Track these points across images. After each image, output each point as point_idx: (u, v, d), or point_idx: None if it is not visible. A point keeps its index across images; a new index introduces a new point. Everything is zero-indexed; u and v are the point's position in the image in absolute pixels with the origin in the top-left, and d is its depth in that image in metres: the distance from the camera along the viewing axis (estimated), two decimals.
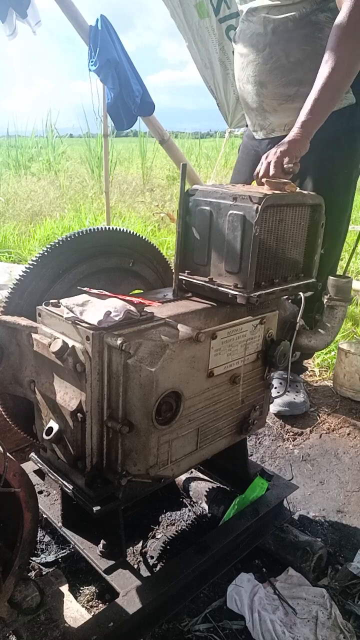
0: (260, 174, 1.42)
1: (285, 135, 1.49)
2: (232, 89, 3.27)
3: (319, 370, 2.82)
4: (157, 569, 1.43)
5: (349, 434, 2.26)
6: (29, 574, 1.29)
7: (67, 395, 1.11)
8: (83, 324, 1.07)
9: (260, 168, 1.43)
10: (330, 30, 1.43)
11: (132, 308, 1.11)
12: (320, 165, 1.70)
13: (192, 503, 1.67)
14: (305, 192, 1.33)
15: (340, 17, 1.39)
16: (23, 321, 1.18)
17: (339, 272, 2.22)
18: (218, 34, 2.90)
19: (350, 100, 1.64)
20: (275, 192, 1.23)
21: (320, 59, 1.46)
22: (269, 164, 1.41)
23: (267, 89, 1.67)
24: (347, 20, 1.37)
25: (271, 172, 1.39)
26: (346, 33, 1.38)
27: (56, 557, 1.47)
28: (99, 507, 1.12)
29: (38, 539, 1.51)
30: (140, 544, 1.52)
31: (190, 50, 3.26)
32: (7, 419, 1.35)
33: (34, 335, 1.14)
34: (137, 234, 1.43)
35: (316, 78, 1.42)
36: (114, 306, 1.09)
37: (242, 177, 2.00)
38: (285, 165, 1.38)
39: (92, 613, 1.25)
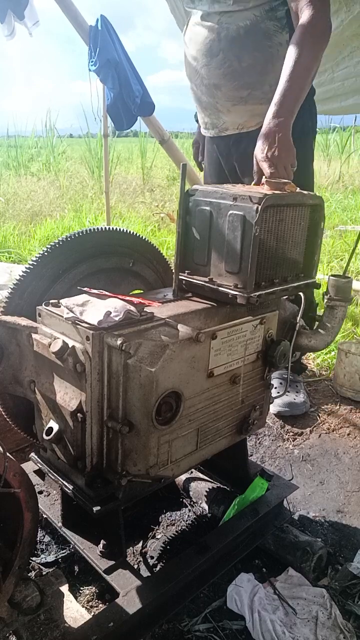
0: (268, 175, 1.41)
1: (238, 134, 1.78)
2: None
3: (319, 370, 2.82)
4: (157, 569, 1.43)
5: (349, 434, 2.26)
6: (29, 574, 1.29)
7: (67, 395, 1.11)
8: (83, 324, 1.07)
9: (266, 170, 1.42)
10: (278, 39, 1.63)
11: (132, 308, 1.11)
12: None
13: (192, 503, 1.67)
14: (305, 192, 1.33)
15: (305, 17, 1.50)
16: (23, 321, 1.18)
17: (339, 272, 2.22)
18: None
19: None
20: (275, 192, 1.23)
21: (269, 65, 1.65)
22: (275, 165, 1.40)
23: (221, 91, 1.75)
24: (310, 19, 1.50)
25: (280, 174, 1.40)
26: (309, 31, 1.49)
27: (56, 557, 1.47)
28: (99, 507, 1.12)
29: (38, 539, 1.51)
30: (140, 544, 1.52)
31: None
32: (7, 419, 1.35)
33: (34, 335, 1.14)
34: (137, 234, 1.43)
35: (283, 76, 1.48)
36: (114, 306, 1.09)
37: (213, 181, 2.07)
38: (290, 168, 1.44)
39: (92, 613, 1.25)
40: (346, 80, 2.74)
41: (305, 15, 1.51)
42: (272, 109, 1.46)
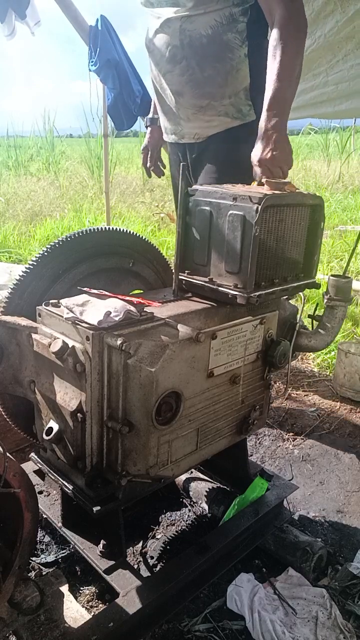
0: (260, 177, 1.42)
1: (195, 143, 1.78)
2: None
3: (319, 370, 2.82)
4: (157, 569, 1.43)
5: (349, 434, 2.26)
6: (29, 574, 1.29)
7: (67, 395, 1.11)
8: (83, 324, 1.07)
9: (259, 173, 1.43)
10: (239, 52, 1.63)
11: (132, 308, 1.11)
12: (219, 178, 1.74)
13: (192, 503, 1.67)
14: (305, 192, 1.33)
15: (280, 15, 1.49)
16: (23, 321, 1.18)
17: (339, 272, 2.22)
18: None
19: (252, 116, 1.70)
20: (275, 192, 1.23)
21: (229, 77, 1.65)
22: (269, 167, 1.41)
23: (184, 98, 1.73)
24: (285, 16, 1.49)
25: (275, 175, 1.41)
26: (286, 28, 1.49)
27: (56, 557, 1.47)
28: (99, 507, 1.12)
29: (38, 539, 1.51)
30: (140, 544, 1.52)
31: None
32: (7, 419, 1.35)
33: (34, 335, 1.14)
34: (137, 234, 1.43)
35: (271, 77, 1.47)
36: (114, 306, 1.09)
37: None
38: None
39: (92, 613, 1.25)
40: (340, 84, 2.72)
41: (279, 13, 1.49)
42: (265, 111, 1.45)
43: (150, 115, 2.16)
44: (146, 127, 2.21)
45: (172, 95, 1.75)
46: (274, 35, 1.49)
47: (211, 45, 1.64)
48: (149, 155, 2.22)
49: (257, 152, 1.43)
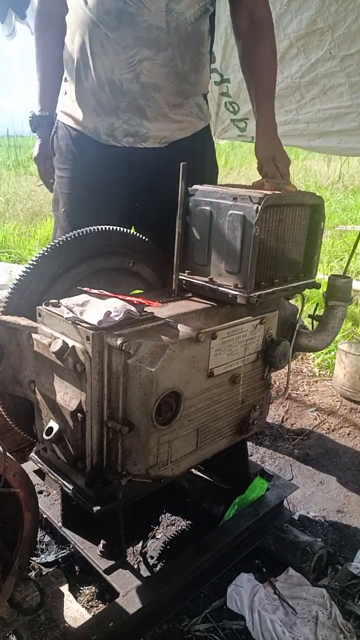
0: (273, 175, 1.43)
1: (157, 148, 1.50)
2: (211, 103, 3.27)
3: (319, 371, 2.82)
4: (157, 569, 1.43)
5: (349, 434, 2.26)
6: (29, 574, 1.29)
7: (67, 395, 1.11)
8: (83, 324, 1.07)
9: (285, 170, 1.44)
10: (207, 47, 1.50)
11: (132, 308, 1.11)
12: (192, 180, 1.57)
13: (192, 503, 1.67)
14: (305, 192, 1.33)
15: (259, 14, 1.47)
16: (23, 321, 1.18)
17: (339, 272, 2.22)
18: None
19: (209, 117, 1.66)
20: (275, 192, 1.23)
21: (198, 74, 1.50)
22: (287, 166, 1.43)
23: (161, 93, 1.47)
24: (262, 15, 1.47)
25: (285, 174, 1.43)
26: (265, 27, 1.47)
27: (56, 557, 1.47)
28: (99, 507, 1.12)
29: (38, 539, 1.51)
30: (140, 544, 1.52)
31: None
32: (7, 419, 1.35)
33: (34, 335, 1.14)
34: (137, 234, 1.43)
35: (259, 77, 1.47)
36: (114, 306, 1.09)
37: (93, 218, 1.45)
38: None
39: (92, 613, 1.25)
40: (310, 123, 2.72)
41: (257, 12, 1.47)
42: (267, 106, 1.44)
43: (40, 112, 1.69)
44: (34, 130, 1.72)
45: (142, 88, 1.45)
46: (254, 32, 1.46)
47: (193, 35, 1.47)
48: (45, 165, 1.73)
49: (269, 150, 1.43)
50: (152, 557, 1.47)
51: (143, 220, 1.60)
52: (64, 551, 1.48)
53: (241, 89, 2.73)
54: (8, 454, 1.00)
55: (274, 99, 1.50)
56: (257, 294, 1.21)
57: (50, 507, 1.44)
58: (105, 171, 1.54)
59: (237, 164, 10.36)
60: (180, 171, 1.24)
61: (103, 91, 1.46)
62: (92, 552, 1.28)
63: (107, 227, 1.37)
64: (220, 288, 1.24)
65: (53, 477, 1.24)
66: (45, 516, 1.43)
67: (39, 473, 1.53)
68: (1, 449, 0.97)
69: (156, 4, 1.38)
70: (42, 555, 1.48)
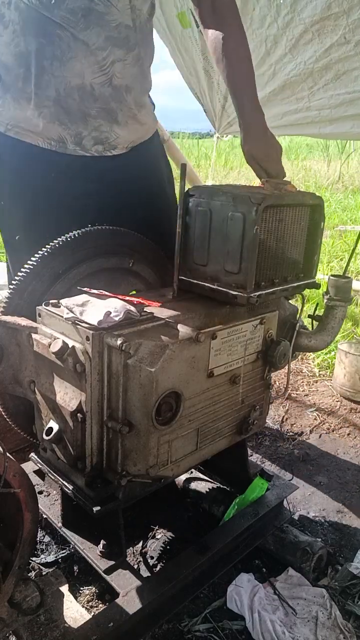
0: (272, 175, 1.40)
1: (120, 155, 1.43)
2: (217, 97, 3.27)
3: (319, 371, 2.82)
4: (157, 569, 1.43)
5: (349, 434, 2.26)
6: (29, 574, 1.29)
7: (67, 396, 1.11)
8: (83, 324, 1.07)
9: (281, 171, 1.41)
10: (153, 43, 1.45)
11: (132, 308, 1.11)
12: (149, 190, 1.57)
13: (192, 503, 1.67)
14: (305, 192, 1.33)
15: (227, 10, 1.40)
16: (23, 321, 1.18)
17: (339, 272, 2.21)
18: (201, 44, 2.92)
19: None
20: (275, 192, 1.23)
21: (150, 73, 1.45)
22: (275, 165, 1.40)
23: (131, 95, 1.42)
24: (231, 11, 1.41)
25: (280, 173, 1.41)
26: (237, 23, 1.40)
27: (56, 557, 1.47)
28: (99, 508, 1.12)
29: (38, 539, 1.51)
30: (140, 544, 1.52)
31: (175, 59, 3.26)
32: (7, 419, 1.35)
33: (34, 335, 1.14)
34: (137, 234, 1.43)
35: (241, 82, 1.39)
36: (114, 306, 1.09)
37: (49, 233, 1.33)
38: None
39: (92, 613, 1.25)
40: (322, 110, 2.73)
41: (224, 8, 1.39)
42: (248, 101, 1.37)
43: None
44: None
45: (115, 91, 1.37)
46: (226, 17, 1.39)
47: (149, 31, 1.43)
48: None
49: (263, 150, 1.38)
50: (152, 557, 1.47)
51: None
52: (64, 551, 1.48)
53: None
54: (8, 454, 1.00)
55: (255, 88, 1.43)
56: (257, 294, 1.21)
57: (50, 507, 1.44)
58: (72, 184, 1.44)
59: (237, 164, 10.37)
60: (180, 171, 1.24)
61: (71, 98, 1.34)
62: (92, 552, 1.28)
63: (107, 227, 1.37)
64: (220, 288, 1.24)
65: (53, 477, 1.24)
66: (45, 516, 1.43)
67: (39, 473, 1.53)
68: (1, 449, 0.97)
69: (122, 1, 1.30)
70: (42, 555, 1.48)
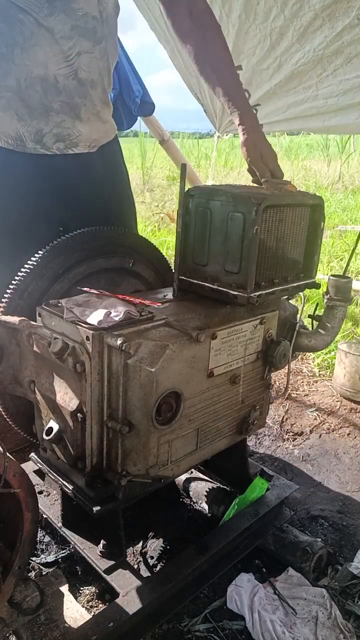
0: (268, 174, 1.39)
1: (82, 154, 1.39)
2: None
3: (319, 371, 2.82)
4: (157, 569, 1.43)
5: (349, 434, 2.26)
6: (29, 574, 1.29)
7: (67, 395, 1.11)
8: (83, 324, 1.07)
9: (272, 166, 1.37)
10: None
11: (132, 308, 1.11)
12: (113, 191, 1.55)
13: (192, 503, 1.67)
14: (305, 192, 1.33)
15: (199, 5, 1.38)
16: (23, 321, 1.18)
17: (339, 272, 2.21)
18: None
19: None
20: (275, 192, 1.23)
21: (112, 73, 1.41)
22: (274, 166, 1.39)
23: (96, 90, 1.36)
24: (208, 11, 1.39)
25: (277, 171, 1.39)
26: (211, 17, 1.39)
27: (56, 557, 1.47)
28: (99, 508, 1.12)
29: (38, 539, 1.51)
30: (140, 544, 1.52)
31: (174, 60, 3.25)
32: (7, 419, 1.35)
33: (34, 335, 1.14)
34: (137, 234, 1.43)
35: (234, 85, 1.37)
36: (114, 306, 1.09)
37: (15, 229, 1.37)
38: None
39: (92, 613, 1.25)
40: (329, 98, 2.72)
41: (197, 3, 1.36)
42: (242, 104, 1.34)
43: None
44: None
45: (80, 85, 1.32)
46: (206, 23, 1.36)
47: (115, 29, 1.38)
48: None
49: (269, 148, 1.36)
50: (152, 557, 1.47)
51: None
52: (64, 551, 1.48)
53: (254, 75, 2.71)
54: (8, 454, 1.00)
55: (244, 90, 1.42)
56: (257, 294, 1.21)
57: (50, 507, 1.44)
58: (31, 185, 1.38)
59: (237, 164, 10.36)
60: (180, 171, 1.24)
61: (33, 90, 1.27)
62: (92, 552, 1.28)
63: (107, 227, 1.37)
64: (220, 288, 1.24)
65: (53, 477, 1.24)
66: (45, 516, 1.43)
67: (39, 473, 1.53)
68: (1, 449, 0.97)
69: None
70: (42, 555, 1.48)
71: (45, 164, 1.38)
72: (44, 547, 1.51)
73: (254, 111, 1.41)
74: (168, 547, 1.50)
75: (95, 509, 1.11)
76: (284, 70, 2.70)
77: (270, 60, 2.69)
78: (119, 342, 1.01)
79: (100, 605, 1.35)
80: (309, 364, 2.89)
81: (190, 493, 1.66)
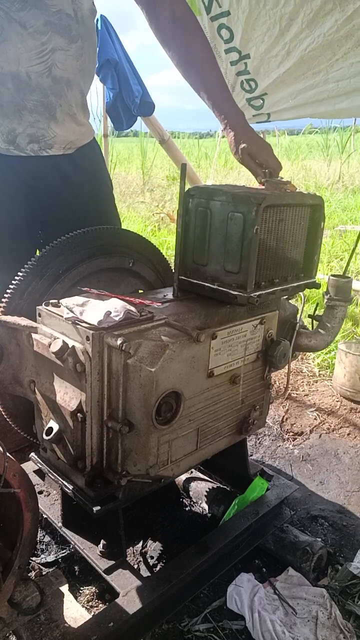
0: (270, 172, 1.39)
1: (59, 156, 1.36)
2: (229, 83, 3.25)
3: (319, 370, 2.82)
4: (157, 569, 1.43)
5: (349, 434, 2.26)
6: (29, 574, 1.29)
7: (67, 395, 1.11)
8: (83, 324, 1.07)
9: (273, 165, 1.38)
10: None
11: (132, 308, 1.11)
12: (92, 192, 1.52)
13: (192, 503, 1.67)
14: (305, 192, 1.33)
15: (181, 7, 1.36)
16: (23, 321, 1.18)
17: (339, 272, 2.21)
18: (210, 33, 2.89)
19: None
20: (275, 192, 1.23)
21: (92, 75, 1.39)
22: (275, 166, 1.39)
23: (73, 91, 1.32)
24: (189, 13, 1.37)
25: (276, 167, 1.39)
26: (193, 19, 1.38)
27: (56, 557, 1.47)
28: (99, 507, 1.12)
29: (38, 539, 1.51)
30: (140, 544, 1.52)
31: None
32: (7, 419, 1.35)
33: (34, 335, 1.14)
34: (137, 234, 1.43)
35: (219, 85, 1.37)
36: (114, 306, 1.09)
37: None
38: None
39: (92, 613, 1.25)
40: (340, 81, 2.71)
41: (179, 6, 1.34)
42: (229, 104, 1.34)
43: None
44: None
45: (55, 83, 1.28)
46: (188, 25, 1.35)
47: (92, 31, 1.35)
48: None
49: (259, 145, 1.36)
50: (152, 557, 1.47)
51: (53, 237, 1.32)
52: (64, 551, 1.48)
53: (262, 63, 2.68)
54: (8, 454, 1.00)
55: (229, 91, 1.42)
56: (257, 294, 1.21)
57: (50, 507, 1.44)
58: (6, 187, 1.35)
59: (237, 164, 10.35)
60: (180, 171, 1.24)
61: (4, 87, 1.23)
62: (92, 552, 1.28)
63: (107, 227, 1.37)
64: (220, 288, 1.24)
65: (53, 477, 1.24)
66: (45, 516, 1.43)
67: (39, 473, 1.53)
68: (1, 449, 0.97)
69: None
70: (42, 555, 1.48)
71: (19, 166, 1.35)
72: (44, 547, 1.51)
73: (241, 111, 1.41)
74: (168, 547, 1.50)
75: (96, 508, 1.11)
76: (293, 57, 2.67)
77: (279, 48, 2.66)
78: (119, 342, 1.01)
79: (100, 605, 1.35)
80: (309, 364, 2.89)
81: (190, 493, 1.66)
